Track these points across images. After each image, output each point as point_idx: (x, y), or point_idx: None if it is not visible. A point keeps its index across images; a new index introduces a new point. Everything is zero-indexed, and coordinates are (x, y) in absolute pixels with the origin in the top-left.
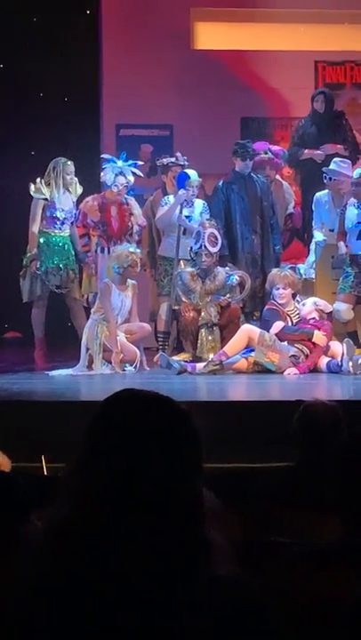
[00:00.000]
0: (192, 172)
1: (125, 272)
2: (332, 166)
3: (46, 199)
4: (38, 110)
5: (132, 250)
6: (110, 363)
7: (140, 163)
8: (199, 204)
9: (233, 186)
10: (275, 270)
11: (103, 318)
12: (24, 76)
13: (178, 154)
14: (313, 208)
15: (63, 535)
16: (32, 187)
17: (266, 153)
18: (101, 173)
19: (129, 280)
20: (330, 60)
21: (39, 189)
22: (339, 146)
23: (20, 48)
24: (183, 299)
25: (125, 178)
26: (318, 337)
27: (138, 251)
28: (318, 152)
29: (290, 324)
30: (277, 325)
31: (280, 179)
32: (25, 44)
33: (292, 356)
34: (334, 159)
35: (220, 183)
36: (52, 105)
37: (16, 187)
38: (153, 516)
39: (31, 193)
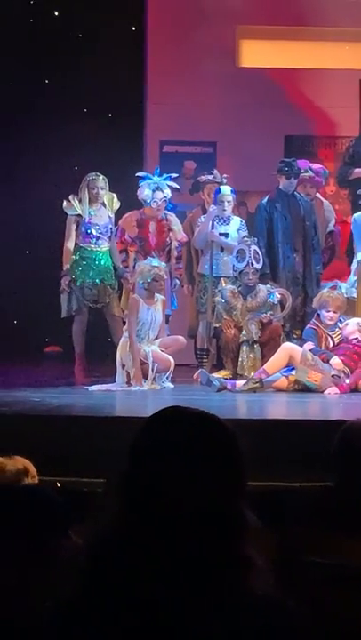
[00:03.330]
0: (224, 187)
1: (150, 286)
2: None
3: (79, 215)
4: (82, 126)
5: (154, 264)
6: (146, 377)
7: (175, 175)
8: (236, 221)
9: (276, 204)
10: (325, 291)
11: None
12: (69, 92)
13: (215, 171)
14: (352, 229)
15: (105, 550)
16: (65, 203)
17: (307, 171)
18: (138, 192)
19: (157, 295)
20: None
21: (71, 205)
22: None
23: (65, 64)
24: (224, 316)
25: (163, 192)
26: (335, 362)
27: (162, 264)
28: None
29: (330, 344)
30: (306, 346)
31: (321, 197)
32: (70, 60)
33: (334, 375)
34: None
35: (264, 201)
36: (97, 121)
37: (59, 202)
38: (195, 534)
39: (64, 209)
